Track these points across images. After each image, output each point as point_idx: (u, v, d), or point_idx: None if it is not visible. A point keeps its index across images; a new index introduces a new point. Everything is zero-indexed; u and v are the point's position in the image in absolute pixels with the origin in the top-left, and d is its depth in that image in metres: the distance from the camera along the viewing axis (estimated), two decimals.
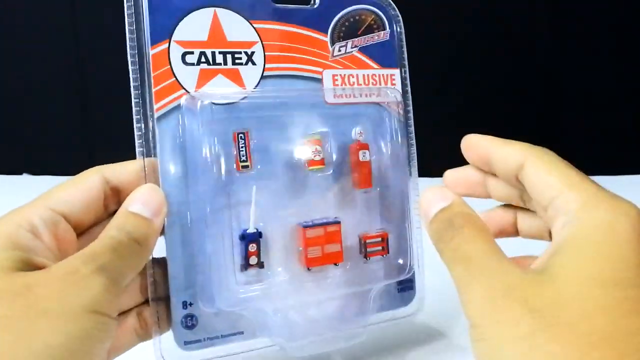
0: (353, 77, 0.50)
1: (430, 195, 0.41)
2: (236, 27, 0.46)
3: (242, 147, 0.44)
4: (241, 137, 0.44)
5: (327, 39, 0.50)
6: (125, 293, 0.41)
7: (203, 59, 0.45)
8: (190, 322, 0.44)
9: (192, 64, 0.45)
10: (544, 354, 0.29)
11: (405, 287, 0.52)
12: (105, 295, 0.34)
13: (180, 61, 0.44)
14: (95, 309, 0.33)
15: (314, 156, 0.46)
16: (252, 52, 0.47)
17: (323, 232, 0.46)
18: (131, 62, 0.43)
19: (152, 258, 0.42)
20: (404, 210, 0.51)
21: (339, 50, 0.50)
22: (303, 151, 0.46)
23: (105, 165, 0.42)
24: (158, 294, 0.43)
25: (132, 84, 0.43)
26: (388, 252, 0.49)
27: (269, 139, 0.46)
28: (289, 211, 0.46)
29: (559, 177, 0.36)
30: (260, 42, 0.47)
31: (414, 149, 0.53)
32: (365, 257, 0.49)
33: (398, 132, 0.51)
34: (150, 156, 0.43)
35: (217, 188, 0.44)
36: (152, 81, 0.43)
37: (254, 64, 0.47)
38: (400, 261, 0.50)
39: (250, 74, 0.46)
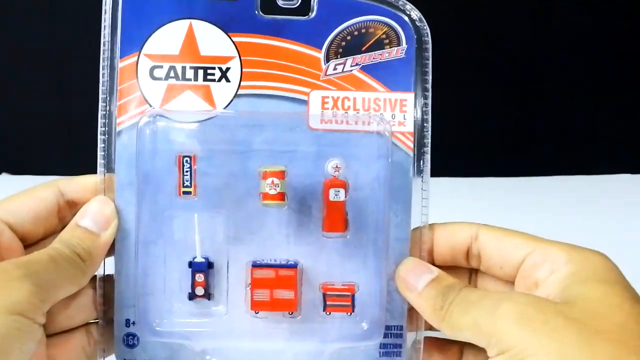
0: (349, 100, 0.43)
1: (412, 267, 0.41)
2: (212, 41, 0.43)
3: (186, 171, 0.41)
4: (186, 160, 0.41)
5: (321, 55, 0.43)
6: (75, 308, 0.41)
7: (172, 74, 0.43)
8: (131, 341, 0.43)
9: (160, 79, 0.43)
10: (602, 356, 0.31)
11: (391, 352, 0.44)
12: (29, 299, 0.35)
13: (147, 75, 0.43)
14: (16, 311, 0.35)
15: (269, 189, 0.41)
16: (227, 68, 0.43)
17: (274, 274, 0.42)
18: (102, 74, 0.43)
19: (106, 275, 0.43)
20: (388, 265, 0.43)
21: (334, 69, 0.43)
22: (260, 183, 0.42)
23: (62, 178, 0.43)
24: (108, 313, 0.43)
25: (100, 95, 0.43)
26: (353, 310, 0.43)
27: (228, 164, 0.43)
28: (243, 247, 0.43)
29: (522, 238, 0.40)
30: (237, 57, 0.43)
31: (427, 190, 0.44)
32: (325, 310, 0.43)
33: (400, 169, 0.43)
34: (112, 171, 0.43)
35: (168, 210, 0.43)
36: (117, 94, 0.43)
37: (227, 80, 0.43)
38: (364, 325, 0.43)
39: (223, 91, 0.43)
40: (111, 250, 0.42)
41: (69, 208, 0.42)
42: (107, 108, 0.43)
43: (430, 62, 0.44)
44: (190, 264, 0.42)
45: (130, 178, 0.42)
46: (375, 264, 0.43)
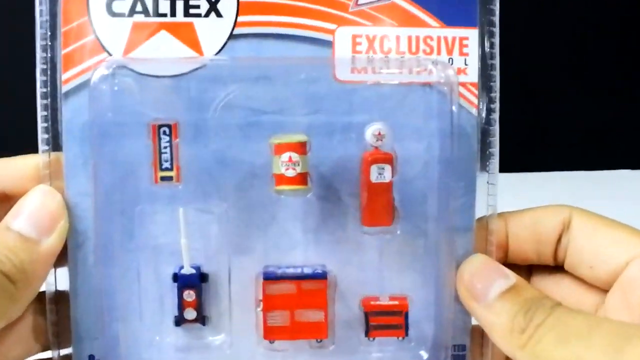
0: (389, 39, 0.33)
1: (480, 269, 0.33)
2: None
3: (165, 147, 0.30)
4: (164, 131, 0.31)
5: None
6: (8, 340, 0.33)
7: (139, 8, 0.33)
8: None
9: (122, 15, 0.33)
10: None
11: None
12: None
13: (104, 10, 0.33)
14: None
15: (286, 170, 0.30)
16: None
17: (295, 289, 0.32)
18: (39, 10, 0.32)
19: (56, 292, 0.34)
20: (451, 267, 0.33)
21: None
22: (272, 161, 0.31)
23: None
24: (62, 343, 0.34)
25: (37, 42, 0.32)
26: (407, 334, 0.33)
27: (225, 136, 0.32)
28: (249, 251, 0.33)
29: (627, 233, 0.33)
30: None
31: (494, 162, 0.34)
32: (367, 335, 0.33)
33: (462, 135, 0.33)
34: (60, 149, 0.33)
35: (141, 203, 0.33)
36: (61, 39, 0.32)
37: (219, 15, 0.33)
38: (423, 354, 0.34)
39: (212, 31, 0.33)
40: (63, 260, 0.34)
41: (0, 202, 0.34)
42: (48, 60, 0.33)
43: None
44: (176, 277, 0.33)
45: (84, 158, 0.33)
46: (434, 268, 0.34)
